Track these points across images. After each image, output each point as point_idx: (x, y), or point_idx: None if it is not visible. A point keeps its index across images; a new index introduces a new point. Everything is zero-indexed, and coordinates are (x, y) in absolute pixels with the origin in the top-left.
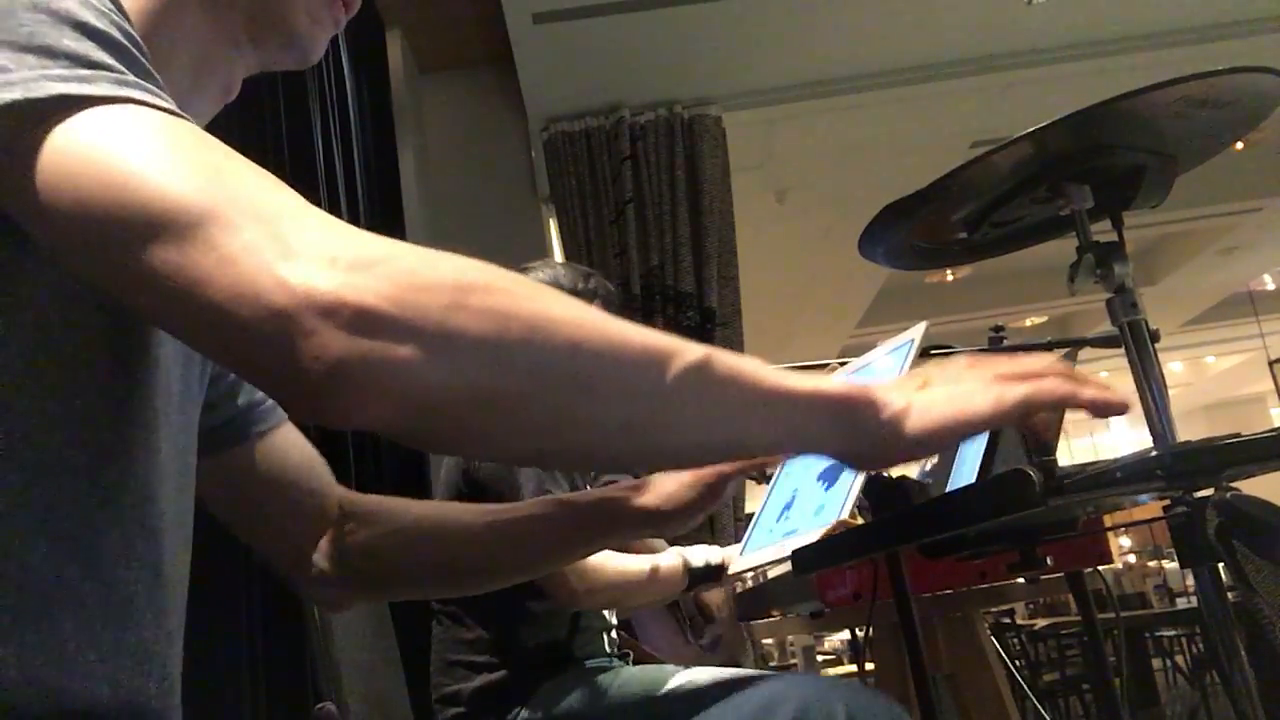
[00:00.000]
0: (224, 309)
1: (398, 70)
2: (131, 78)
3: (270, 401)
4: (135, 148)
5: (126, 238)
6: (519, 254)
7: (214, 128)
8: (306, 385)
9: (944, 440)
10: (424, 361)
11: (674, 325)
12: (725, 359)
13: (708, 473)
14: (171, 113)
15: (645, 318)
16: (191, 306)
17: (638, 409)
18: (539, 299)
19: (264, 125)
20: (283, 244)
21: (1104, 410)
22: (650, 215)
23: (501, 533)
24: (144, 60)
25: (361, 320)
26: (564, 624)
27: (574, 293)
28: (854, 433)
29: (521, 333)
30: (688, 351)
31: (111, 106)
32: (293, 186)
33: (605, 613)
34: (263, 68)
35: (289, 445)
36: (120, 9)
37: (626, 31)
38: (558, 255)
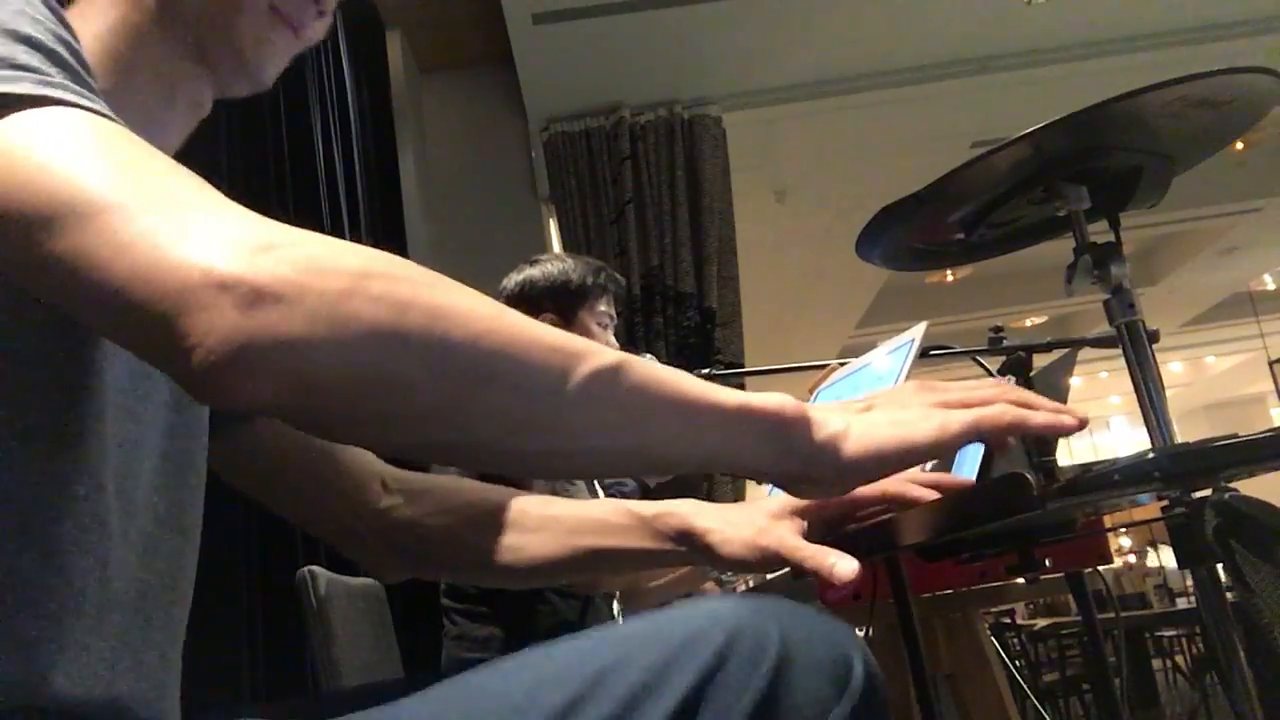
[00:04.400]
0: (121, 290)
1: (398, 70)
2: (58, 79)
3: None
4: (50, 144)
5: (31, 225)
6: (519, 254)
7: (213, 127)
8: (198, 362)
9: (883, 467)
10: (314, 341)
11: (674, 325)
12: (644, 367)
13: (771, 545)
14: (96, 112)
15: (645, 318)
16: (90, 288)
17: (538, 406)
18: (446, 292)
19: (264, 125)
20: (184, 230)
21: (1058, 433)
22: (650, 215)
23: (568, 532)
24: (77, 65)
25: (255, 297)
26: (572, 621)
27: (585, 285)
28: (784, 451)
29: (420, 321)
30: (601, 355)
31: (34, 110)
32: (293, 186)
33: (614, 611)
34: (221, 92)
35: None
36: (62, 21)
37: (626, 31)
38: None
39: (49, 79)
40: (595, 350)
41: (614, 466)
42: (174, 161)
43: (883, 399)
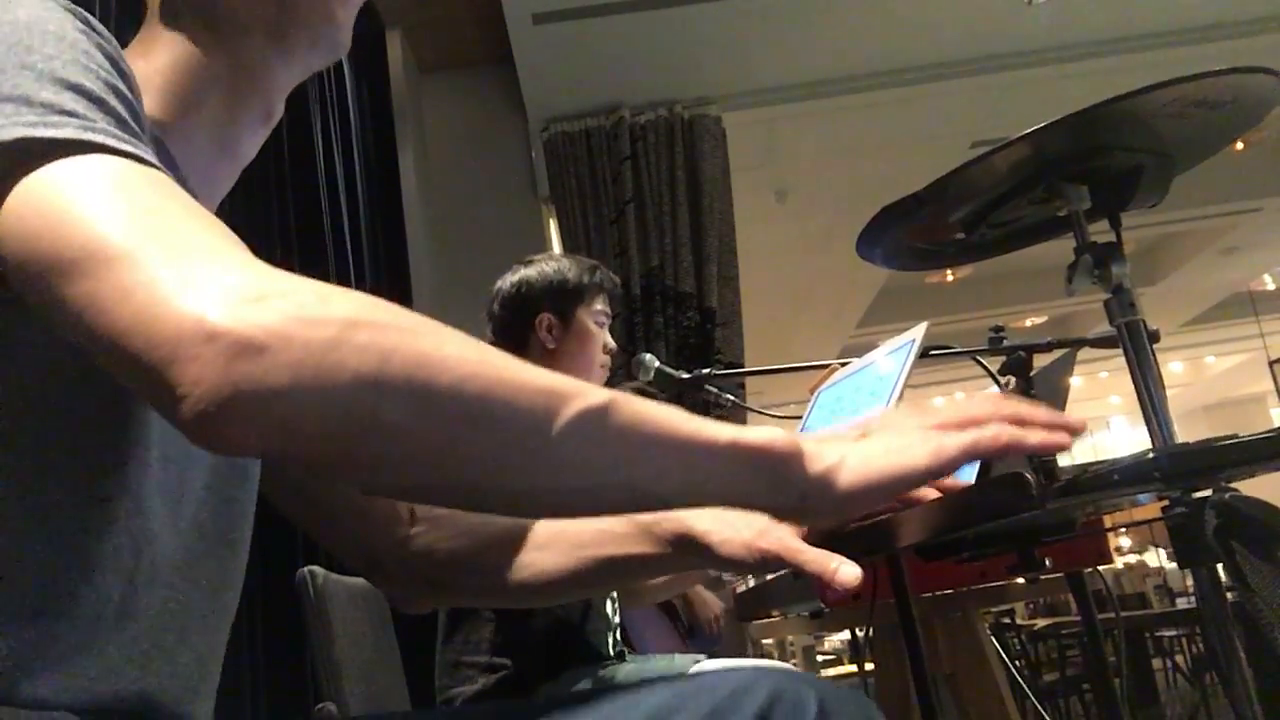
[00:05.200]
0: (122, 336)
1: (398, 70)
2: (101, 125)
3: None
4: (80, 191)
5: (52, 268)
6: (519, 254)
7: None
8: (188, 410)
9: (880, 496)
10: (297, 392)
11: (674, 325)
12: (635, 404)
13: (771, 548)
14: (135, 157)
15: (645, 318)
16: (97, 333)
17: (525, 448)
18: (434, 338)
19: None
20: (185, 280)
21: (1054, 450)
22: (650, 215)
23: (576, 545)
24: (125, 113)
25: (241, 349)
26: (572, 621)
27: (581, 284)
28: (779, 486)
29: (404, 368)
30: (589, 395)
31: (74, 158)
32: (293, 187)
33: (609, 612)
34: (303, 74)
35: None
36: (118, 68)
37: (626, 31)
38: None
39: (92, 124)
40: (583, 390)
41: (606, 505)
42: (199, 208)
43: (878, 425)
